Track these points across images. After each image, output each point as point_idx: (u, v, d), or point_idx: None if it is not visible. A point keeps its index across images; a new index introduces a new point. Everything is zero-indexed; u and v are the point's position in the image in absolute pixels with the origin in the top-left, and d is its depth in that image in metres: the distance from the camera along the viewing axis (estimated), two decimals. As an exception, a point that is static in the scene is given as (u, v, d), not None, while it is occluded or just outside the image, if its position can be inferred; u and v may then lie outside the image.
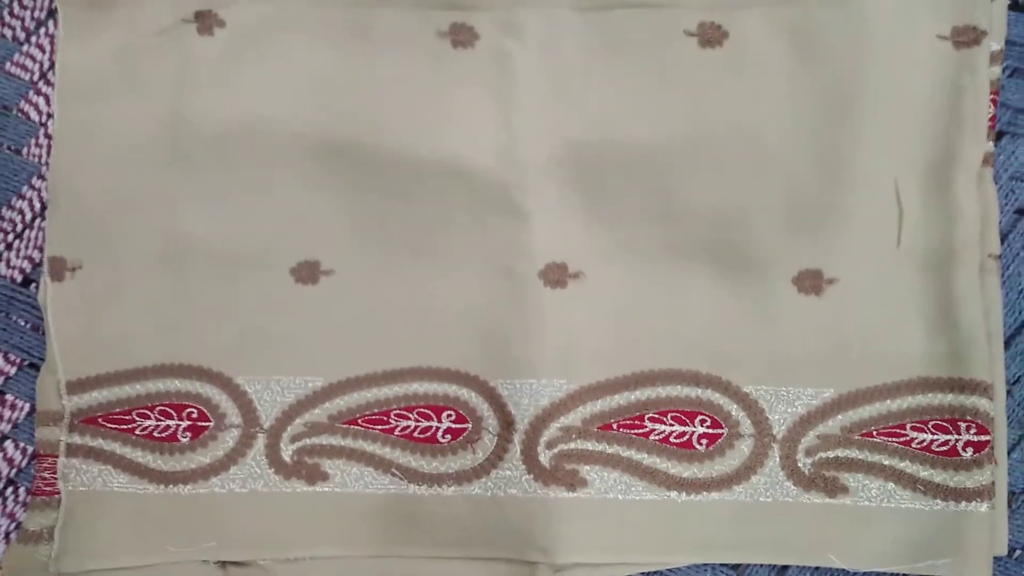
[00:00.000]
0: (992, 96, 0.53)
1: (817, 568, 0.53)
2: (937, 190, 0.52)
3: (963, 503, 0.51)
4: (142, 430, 0.53)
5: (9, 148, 0.56)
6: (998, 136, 0.55)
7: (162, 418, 0.53)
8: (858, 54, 0.52)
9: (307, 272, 0.53)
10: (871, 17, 0.52)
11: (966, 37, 0.53)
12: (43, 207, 0.55)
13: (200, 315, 0.53)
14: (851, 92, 0.52)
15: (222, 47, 0.53)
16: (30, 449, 0.54)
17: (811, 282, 0.53)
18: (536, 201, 0.53)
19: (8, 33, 0.57)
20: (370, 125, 0.53)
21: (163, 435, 0.53)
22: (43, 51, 0.56)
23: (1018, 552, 0.53)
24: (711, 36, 0.53)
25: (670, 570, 0.54)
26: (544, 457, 0.52)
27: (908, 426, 0.52)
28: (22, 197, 0.56)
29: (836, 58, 0.52)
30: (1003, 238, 0.55)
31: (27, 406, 0.55)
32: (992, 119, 0.54)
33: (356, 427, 0.53)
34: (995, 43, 0.54)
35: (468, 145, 0.52)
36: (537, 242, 0.53)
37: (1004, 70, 0.55)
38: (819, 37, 0.53)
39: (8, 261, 0.56)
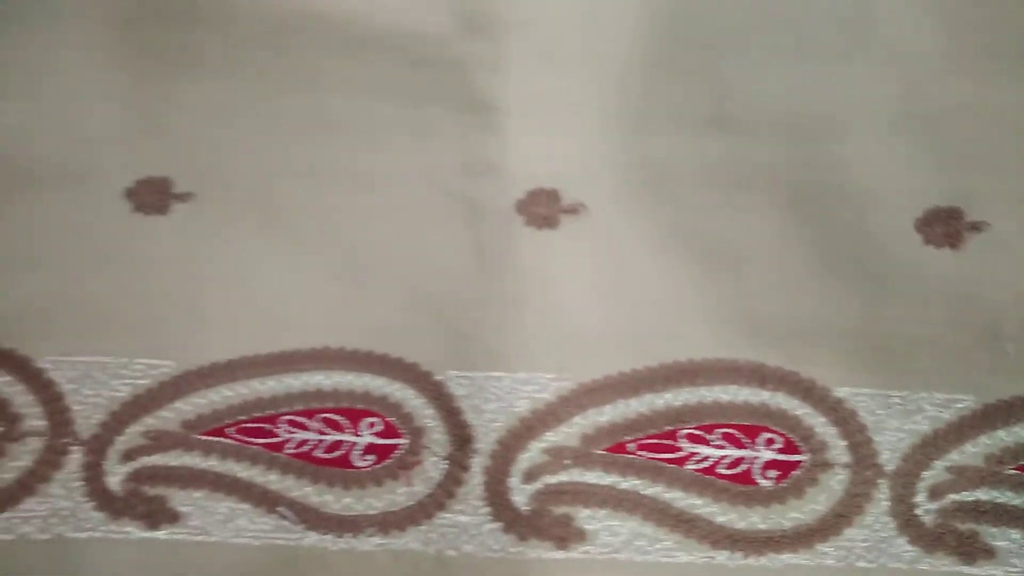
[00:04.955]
0: None
1: (943, 674, 0.42)
2: None
3: None
4: None
5: None
6: None
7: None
8: None
9: (151, 195, 0.44)
10: None
11: None
12: None
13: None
14: None
15: None
16: None
17: (944, 228, 0.44)
18: (513, 90, 0.45)
19: None
20: None
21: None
22: None
23: None
24: None
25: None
26: (520, 495, 0.42)
27: (1096, 454, 0.42)
28: None
29: None
30: None
31: None
32: None
33: (224, 440, 0.43)
34: None
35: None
36: (514, 158, 0.45)
37: None
38: None
39: None
